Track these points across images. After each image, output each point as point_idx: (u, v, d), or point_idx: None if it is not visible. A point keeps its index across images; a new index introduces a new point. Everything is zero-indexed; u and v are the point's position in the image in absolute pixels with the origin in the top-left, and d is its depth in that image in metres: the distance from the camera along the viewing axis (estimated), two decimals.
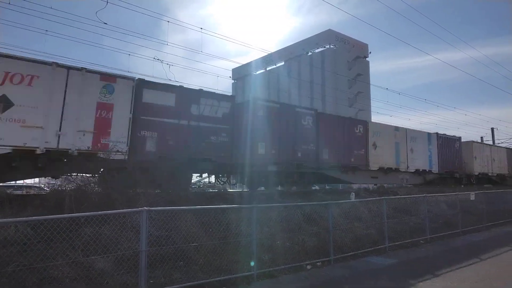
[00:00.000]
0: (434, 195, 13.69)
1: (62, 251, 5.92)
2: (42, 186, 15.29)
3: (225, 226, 7.64)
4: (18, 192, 11.58)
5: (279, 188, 16.11)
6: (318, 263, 8.17)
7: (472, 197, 14.15)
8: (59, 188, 8.81)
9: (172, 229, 7.08)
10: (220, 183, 15.73)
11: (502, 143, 47.36)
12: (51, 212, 7.01)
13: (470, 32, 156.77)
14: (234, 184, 18.05)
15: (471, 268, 8.19)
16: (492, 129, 48.63)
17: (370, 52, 67.60)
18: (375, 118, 62.81)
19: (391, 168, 20.72)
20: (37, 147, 9.59)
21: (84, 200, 7.90)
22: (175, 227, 7.17)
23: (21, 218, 5.84)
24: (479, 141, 36.96)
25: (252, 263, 7.10)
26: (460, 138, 27.23)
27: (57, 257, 5.80)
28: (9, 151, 9.21)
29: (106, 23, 15.40)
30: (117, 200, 8.31)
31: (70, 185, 8.85)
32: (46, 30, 26.90)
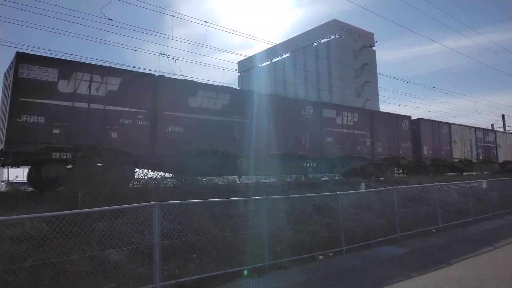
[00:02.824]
0: (446, 184, 13.60)
1: (77, 246, 5.99)
2: None
3: (236, 218, 7.68)
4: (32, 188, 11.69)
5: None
6: (330, 254, 8.19)
7: (484, 185, 14.05)
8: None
9: (184, 222, 7.14)
10: None
11: None
12: (65, 207, 7.09)
13: (477, 18, 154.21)
14: None
15: (484, 256, 8.15)
16: (503, 116, 48.09)
17: (376, 41, 67.11)
18: (383, 107, 62.34)
19: None
20: None
21: (97, 195, 7.97)
22: (187, 220, 7.23)
23: (36, 214, 5.92)
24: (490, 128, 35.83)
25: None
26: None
27: (73, 251, 5.87)
28: None
29: (111, 19, 15.41)
30: (129, 194, 8.38)
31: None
32: (53, 28, 27.02)
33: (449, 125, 24.91)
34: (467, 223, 12.17)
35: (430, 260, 7.82)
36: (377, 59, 66.51)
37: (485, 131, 28.94)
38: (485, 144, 28.24)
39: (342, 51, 59.74)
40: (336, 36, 62.11)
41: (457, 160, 24.86)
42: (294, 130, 15.57)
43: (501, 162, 29.96)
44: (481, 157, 27.41)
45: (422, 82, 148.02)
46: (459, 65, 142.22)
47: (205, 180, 12.19)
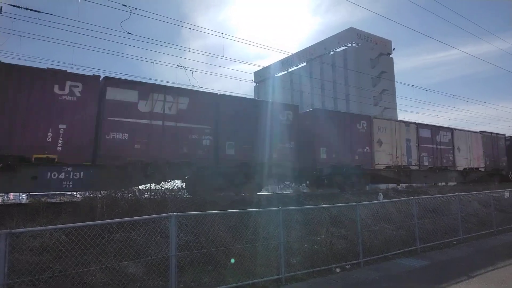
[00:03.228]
0: (467, 194, 13.26)
1: (95, 257, 6.09)
2: (74, 193, 15.71)
3: (252, 230, 7.68)
4: (52, 200, 12.00)
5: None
6: (347, 266, 8.06)
7: (507, 195, 13.64)
8: (91, 195, 9.09)
9: (200, 234, 7.18)
10: None
11: None
12: (84, 219, 7.24)
13: (496, 22, 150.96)
14: None
15: (508, 269, 7.88)
16: None
17: (394, 49, 66.27)
18: (401, 116, 61.53)
19: None
20: None
21: (114, 206, 8.11)
22: (203, 232, 7.26)
23: (56, 226, 6.06)
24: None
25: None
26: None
27: (91, 263, 5.97)
28: None
29: (130, 33, 15.78)
30: (146, 205, 8.50)
31: (101, 192, 9.12)
32: (74, 43, 27.77)
33: (369, 119, 18.77)
34: (489, 235, 11.80)
35: (451, 273, 7.60)
36: (394, 67, 65.76)
37: (434, 128, 22.51)
38: (435, 146, 21.83)
39: (359, 59, 59.35)
40: (353, 44, 61.77)
41: (382, 167, 18.70)
42: (32, 120, 9.94)
43: (461, 169, 23.46)
44: (426, 163, 21.19)
45: (442, 90, 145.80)
46: (480, 71, 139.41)
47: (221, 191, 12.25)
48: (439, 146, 22.15)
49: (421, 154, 20.92)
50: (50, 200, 11.11)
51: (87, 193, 9.57)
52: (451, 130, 23.61)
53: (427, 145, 21.42)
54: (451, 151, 22.96)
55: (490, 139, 26.06)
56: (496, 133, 27.33)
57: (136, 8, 14.34)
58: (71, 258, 5.87)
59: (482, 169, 25.00)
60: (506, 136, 28.28)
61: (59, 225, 6.19)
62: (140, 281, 6.05)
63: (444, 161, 22.34)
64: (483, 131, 26.12)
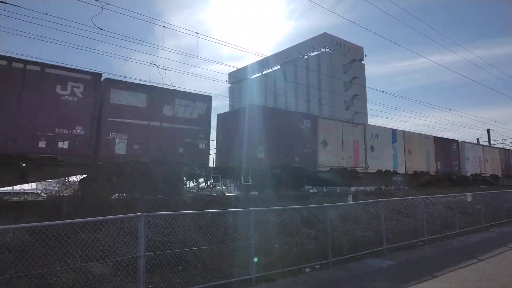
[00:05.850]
0: (432, 197, 13.74)
1: (60, 258, 5.90)
2: (39, 192, 15.16)
3: (223, 230, 7.66)
4: (15, 198, 11.50)
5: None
6: (317, 266, 8.18)
7: (469, 198, 14.24)
8: (57, 194, 8.79)
9: (170, 234, 7.09)
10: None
11: (497, 144, 47.62)
12: (49, 218, 6.98)
13: (464, 34, 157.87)
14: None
15: (469, 269, 8.22)
16: (488, 130, 48.93)
17: (365, 55, 68.03)
18: (371, 120, 63.00)
19: None
20: None
21: (81, 205, 7.88)
22: (173, 232, 7.18)
23: (19, 225, 5.83)
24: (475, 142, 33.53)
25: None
26: None
27: (55, 263, 5.78)
28: None
29: (101, 29, 15.41)
30: (114, 205, 8.31)
31: (67, 191, 8.83)
32: (42, 37, 26.83)
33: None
34: (453, 236, 12.29)
35: (416, 273, 7.86)
36: (366, 73, 67.42)
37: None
38: None
39: (332, 64, 60.46)
40: (326, 49, 62.90)
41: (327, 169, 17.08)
42: None
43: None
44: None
45: (409, 96, 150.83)
46: (446, 80, 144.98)
47: (193, 191, 12.12)
48: None
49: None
50: (14, 199, 10.66)
51: (52, 192, 9.23)
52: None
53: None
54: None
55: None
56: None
57: (108, 4, 14.01)
58: (34, 258, 5.66)
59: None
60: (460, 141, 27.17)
61: (22, 224, 5.96)
62: (107, 282, 5.91)
63: None
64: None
